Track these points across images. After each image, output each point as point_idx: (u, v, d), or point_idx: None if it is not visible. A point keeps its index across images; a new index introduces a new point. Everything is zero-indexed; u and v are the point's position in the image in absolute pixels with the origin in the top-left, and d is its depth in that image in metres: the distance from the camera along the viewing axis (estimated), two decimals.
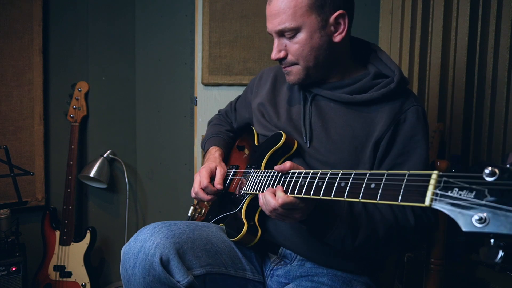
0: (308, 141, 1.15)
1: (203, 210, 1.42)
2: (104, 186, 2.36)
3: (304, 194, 0.88)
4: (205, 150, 1.44)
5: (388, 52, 1.99)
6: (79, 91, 2.28)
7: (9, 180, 1.85)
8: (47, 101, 2.25)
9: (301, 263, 1.17)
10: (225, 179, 1.27)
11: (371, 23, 2.06)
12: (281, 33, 1.10)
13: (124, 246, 1.07)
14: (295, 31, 1.07)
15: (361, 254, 1.12)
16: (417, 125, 1.08)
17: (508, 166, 0.53)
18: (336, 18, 1.07)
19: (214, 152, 1.35)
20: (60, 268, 2.16)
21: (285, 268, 1.18)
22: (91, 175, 2.25)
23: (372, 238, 1.01)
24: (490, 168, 0.53)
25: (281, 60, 1.14)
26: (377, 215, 1.02)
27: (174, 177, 2.46)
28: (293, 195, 0.91)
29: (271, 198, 0.94)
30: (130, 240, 1.07)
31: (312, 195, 0.85)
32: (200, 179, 1.22)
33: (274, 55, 1.13)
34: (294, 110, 1.22)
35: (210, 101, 2.32)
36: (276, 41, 1.12)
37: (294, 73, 1.14)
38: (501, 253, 0.50)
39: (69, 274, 2.16)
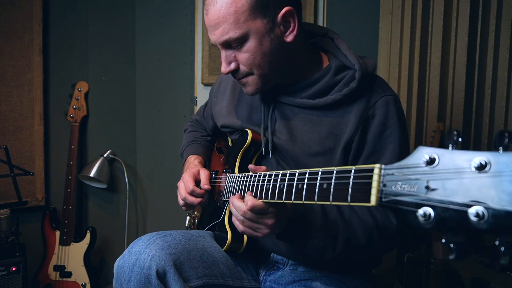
0: (270, 152, 1.10)
1: (196, 220, 1.42)
2: (104, 186, 2.36)
3: (270, 199, 0.85)
4: (183, 159, 1.40)
5: (388, 52, 1.99)
6: (79, 91, 2.28)
7: (9, 180, 1.85)
8: (47, 101, 2.25)
9: (293, 268, 1.15)
10: (204, 201, 1.22)
11: (371, 23, 2.06)
12: (226, 44, 0.99)
13: (117, 260, 1.04)
14: (241, 39, 0.96)
15: (346, 260, 1.09)
16: (386, 119, 1.01)
17: (450, 146, 0.49)
18: (284, 16, 0.97)
19: (193, 160, 1.31)
20: (60, 268, 2.16)
21: (278, 273, 1.16)
22: (91, 175, 2.25)
23: (352, 244, 0.98)
24: (428, 156, 0.50)
25: (233, 72, 1.03)
26: (355, 220, 0.98)
27: (174, 177, 2.45)
28: (261, 200, 0.88)
29: (237, 212, 0.91)
30: (124, 253, 1.03)
31: (277, 199, 0.83)
32: (184, 184, 1.17)
33: (224, 68, 1.02)
34: (256, 119, 1.16)
35: None
36: (223, 53, 1.01)
37: (250, 83, 1.04)
38: (452, 246, 0.47)
39: (69, 274, 2.16)
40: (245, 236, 1.11)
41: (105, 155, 2.37)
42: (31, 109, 2.18)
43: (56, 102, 2.28)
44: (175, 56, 2.40)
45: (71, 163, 2.20)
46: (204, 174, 1.19)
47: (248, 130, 1.13)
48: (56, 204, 2.26)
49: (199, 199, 1.16)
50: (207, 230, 1.25)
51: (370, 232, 0.98)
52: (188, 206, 1.19)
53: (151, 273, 0.97)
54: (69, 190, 2.19)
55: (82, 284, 2.15)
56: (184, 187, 1.17)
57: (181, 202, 1.19)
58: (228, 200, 1.11)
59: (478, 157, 0.45)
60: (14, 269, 1.91)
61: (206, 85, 2.31)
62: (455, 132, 0.49)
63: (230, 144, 1.30)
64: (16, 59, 2.12)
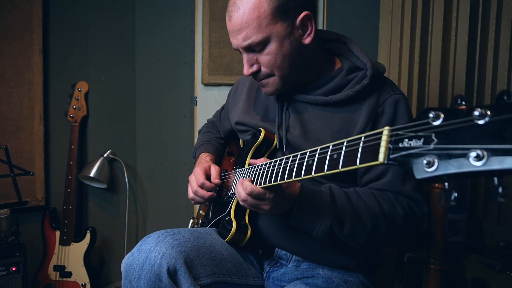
0: (284, 146, 1.14)
1: (200, 220, 1.43)
2: (104, 186, 2.36)
3: (279, 180, 0.88)
4: (195, 158, 1.44)
5: (388, 52, 1.99)
6: (79, 91, 2.28)
7: (9, 180, 1.85)
8: (47, 101, 2.25)
9: (297, 264, 1.17)
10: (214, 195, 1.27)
11: (371, 23, 2.06)
12: (249, 48, 1.05)
13: (126, 257, 1.04)
14: (263, 43, 1.02)
15: (351, 246, 1.09)
16: (395, 116, 1.06)
17: (455, 107, 0.53)
18: (302, 20, 1.03)
19: (205, 157, 1.35)
20: (60, 268, 2.16)
21: (281, 270, 1.18)
22: (91, 175, 2.25)
23: (358, 228, 1.01)
24: (433, 112, 0.53)
25: (254, 74, 1.09)
26: (361, 205, 1.01)
27: (174, 177, 2.46)
28: (264, 185, 0.92)
29: (241, 190, 0.96)
30: (133, 251, 1.04)
31: (286, 179, 0.86)
32: (195, 178, 1.22)
33: (247, 70, 1.08)
34: (270, 117, 1.21)
35: (210, 101, 2.32)
36: (245, 56, 1.08)
37: (270, 84, 1.10)
38: (454, 194, 0.50)
39: (69, 274, 2.16)
40: (249, 229, 1.13)
41: (105, 155, 2.37)
42: (31, 109, 2.17)
43: (56, 102, 2.28)
44: (175, 56, 2.40)
45: (71, 163, 2.20)
46: (214, 169, 1.24)
47: (261, 129, 1.17)
48: (56, 204, 2.26)
49: (209, 193, 1.20)
50: (210, 226, 1.27)
51: (376, 219, 1.00)
52: (198, 200, 1.23)
53: (161, 271, 0.97)
54: (69, 190, 2.19)
55: (82, 284, 2.15)
56: (195, 180, 1.21)
57: (191, 195, 1.23)
58: (235, 194, 1.14)
59: (478, 108, 0.49)
60: (14, 269, 1.91)
61: (206, 85, 2.31)
62: (459, 99, 0.54)
63: (241, 145, 1.33)
64: (16, 59, 2.12)
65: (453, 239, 1.58)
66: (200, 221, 1.43)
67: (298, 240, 1.11)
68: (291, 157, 0.87)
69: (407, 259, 1.62)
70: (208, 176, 1.23)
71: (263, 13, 0.99)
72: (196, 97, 2.35)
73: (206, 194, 1.20)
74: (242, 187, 0.96)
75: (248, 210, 1.14)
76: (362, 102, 1.07)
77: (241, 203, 0.99)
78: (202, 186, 1.20)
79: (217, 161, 1.41)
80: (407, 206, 1.03)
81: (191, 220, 1.49)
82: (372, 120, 1.05)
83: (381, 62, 2.00)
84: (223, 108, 1.52)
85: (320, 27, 2.13)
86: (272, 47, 1.03)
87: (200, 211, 1.45)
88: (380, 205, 1.01)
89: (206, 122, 1.61)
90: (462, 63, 1.80)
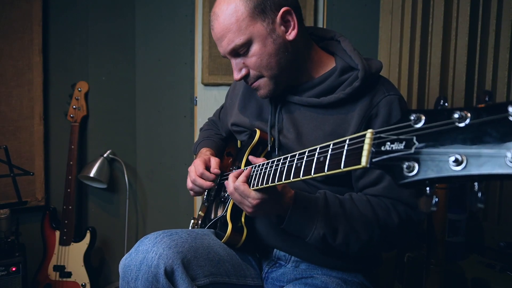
0: (276, 149, 1.14)
1: (199, 221, 1.43)
2: (104, 186, 2.36)
3: (270, 182, 0.88)
4: (196, 154, 1.44)
5: (388, 52, 1.99)
6: (79, 91, 2.28)
7: (9, 180, 1.85)
8: (47, 101, 2.25)
9: (295, 264, 1.17)
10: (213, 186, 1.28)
11: (371, 23, 2.06)
12: (234, 52, 1.06)
13: (124, 258, 1.05)
14: (246, 44, 1.03)
15: (347, 252, 1.09)
16: (389, 118, 1.04)
17: (439, 108, 0.52)
18: (282, 17, 1.03)
19: (205, 152, 1.36)
20: (60, 268, 2.15)
21: (280, 270, 1.18)
22: (91, 175, 2.25)
23: (352, 238, 1.00)
24: (414, 115, 0.52)
25: (245, 78, 1.10)
26: (356, 214, 1.00)
27: (174, 177, 2.46)
28: (257, 187, 0.93)
29: (231, 182, 0.98)
30: (130, 252, 1.04)
31: (277, 181, 0.86)
32: (195, 168, 1.22)
33: (236, 75, 1.09)
34: (264, 117, 1.21)
35: (210, 101, 2.32)
36: (233, 62, 1.09)
37: (262, 86, 1.10)
38: (435, 199, 0.50)
39: (69, 274, 2.16)
40: (245, 230, 1.13)
41: (105, 155, 2.37)
42: (31, 109, 2.17)
43: (56, 102, 2.28)
44: (175, 56, 2.40)
45: (71, 163, 2.20)
46: (214, 160, 1.25)
47: (257, 129, 1.17)
48: (56, 204, 2.26)
49: (208, 183, 1.19)
50: (208, 227, 1.27)
51: (371, 227, 1.00)
52: (197, 190, 1.23)
53: (159, 271, 0.98)
54: (69, 190, 2.19)
55: (82, 284, 2.15)
56: (195, 170, 1.21)
57: (190, 185, 1.23)
58: None
59: (458, 111, 0.48)
60: (14, 269, 1.91)
61: (206, 85, 2.31)
62: (442, 100, 0.52)
63: (239, 146, 1.33)
64: (16, 59, 2.12)
65: (453, 239, 1.57)
66: (199, 222, 1.43)
67: (297, 242, 1.11)
68: (281, 159, 0.87)
69: (407, 259, 1.62)
70: (208, 168, 1.24)
71: (240, 16, 1.01)
72: (196, 97, 2.35)
73: (205, 183, 1.19)
74: (232, 179, 0.98)
75: (244, 212, 1.14)
76: (355, 104, 1.06)
77: (230, 195, 1.01)
78: (201, 176, 1.20)
79: (217, 156, 1.42)
80: (404, 213, 1.02)
81: (192, 221, 1.49)
82: (366, 122, 1.04)
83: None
84: (222, 107, 1.53)
85: (320, 26, 2.13)
86: (255, 48, 1.03)
87: (200, 212, 1.46)
88: (375, 213, 1.01)
89: (207, 120, 1.62)
90: (462, 63, 1.80)
